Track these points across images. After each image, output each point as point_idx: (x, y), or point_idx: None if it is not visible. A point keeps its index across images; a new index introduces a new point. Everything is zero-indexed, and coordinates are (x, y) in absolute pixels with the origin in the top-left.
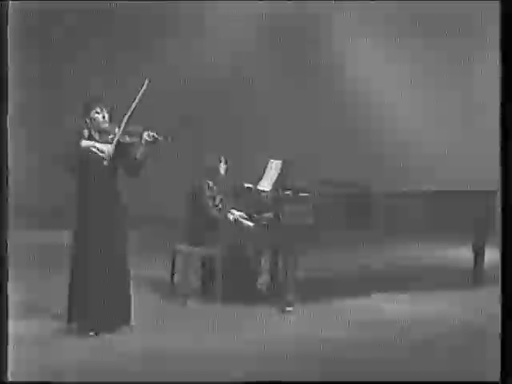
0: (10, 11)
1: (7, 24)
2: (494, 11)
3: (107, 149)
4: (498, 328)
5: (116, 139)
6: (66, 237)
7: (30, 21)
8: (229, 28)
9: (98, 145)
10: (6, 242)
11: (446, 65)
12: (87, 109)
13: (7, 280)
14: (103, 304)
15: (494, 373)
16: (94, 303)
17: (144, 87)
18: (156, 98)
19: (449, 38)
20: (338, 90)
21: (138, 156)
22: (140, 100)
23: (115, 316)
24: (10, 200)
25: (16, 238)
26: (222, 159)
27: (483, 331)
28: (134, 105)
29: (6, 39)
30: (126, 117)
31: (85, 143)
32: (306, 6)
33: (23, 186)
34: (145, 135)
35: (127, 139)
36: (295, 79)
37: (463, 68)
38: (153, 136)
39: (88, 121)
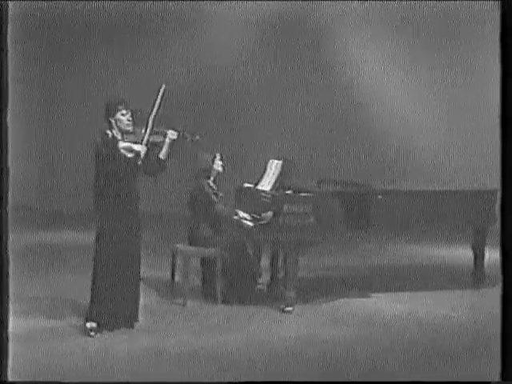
0: (10, 12)
1: (7, 24)
2: (494, 11)
3: (142, 149)
4: (497, 328)
5: (145, 140)
6: (66, 236)
7: (31, 21)
8: (228, 28)
9: (134, 146)
10: (6, 242)
11: (446, 65)
12: (112, 110)
13: (7, 280)
14: (121, 303)
15: (494, 373)
16: (113, 303)
17: (160, 94)
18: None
19: (449, 37)
20: (338, 90)
21: (162, 156)
22: (162, 99)
23: (127, 315)
24: (10, 200)
25: (16, 238)
26: (217, 156)
27: (483, 331)
28: (157, 105)
29: (6, 39)
30: (151, 117)
31: (122, 144)
32: (307, 6)
33: (23, 186)
34: (169, 134)
35: (155, 139)
36: (295, 79)
37: (463, 68)
38: (177, 135)
39: (112, 121)
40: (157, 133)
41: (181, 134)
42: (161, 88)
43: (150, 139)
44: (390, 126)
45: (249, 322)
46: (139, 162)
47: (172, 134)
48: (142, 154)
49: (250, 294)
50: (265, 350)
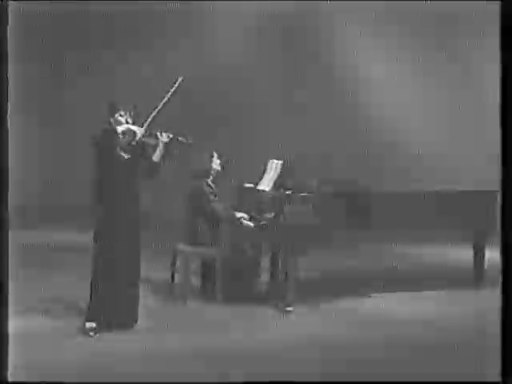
0: (10, 12)
1: (7, 24)
2: (493, 11)
3: (138, 130)
4: (497, 328)
5: (146, 124)
6: (66, 236)
7: (30, 21)
8: (229, 27)
9: (131, 126)
10: (6, 242)
11: (446, 65)
12: (112, 110)
13: (7, 280)
14: (120, 304)
15: (494, 373)
16: (112, 303)
17: (176, 85)
18: (156, 98)
19: (449, 37)
20: (338, 90)
21: (155, 158)
22: (169, 99)
23: (126, 316)
24: (9, 200)
25: (16, 238)
26: (215, 154)
27: (483, 331)
28: (169, 95)
29: (6, 39)
30: (160, 105)
31: (120, 128)
32: (306, 6)
33: (23, 186)
34: (161, 137)
35: (149, 141)
36: (295, 79)
37: (463, 68)
38: (168, 137)
39: (112, 121)
40: (150, 135)
41: (174, 137)
42: (177, 79)
43: (146, 140)
44: (389, 127)
45: (249, 322)
46: (133, 143)
47: (163, 137)
48: (139, 135)
49: (250, 293)
50: (265, 349)
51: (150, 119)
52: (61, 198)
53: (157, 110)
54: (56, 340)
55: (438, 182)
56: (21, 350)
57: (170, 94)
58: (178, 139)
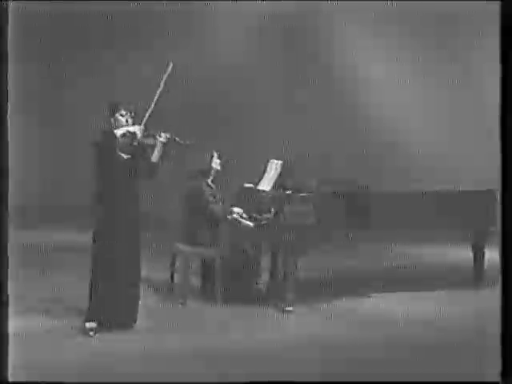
0: (10, 12)
1: (7, 24)
2: (493, 11)
3: (137, 129)
4: (497, 328)
5: (145, 119)
6: (65, 236)
7: (30, 21)
8: (229, 28)
9: (130, 128)
10: (6, 242)
11: (446, 65)
12: (113, 110)
13: (7, 280)
14: (120, 304)
15: (494, 373)
16: (112, 303)
17: (167, 73)
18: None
19: (449, 37)
20: (338, 90)
21: (154, 159)
22: (163, 89)
23: (126, 316)
24: (9, 200)
25: (16, 238)
26: (215, 154)
27: (483, 331)
28: (162, 84)
29: (6, 39)
30: (156, 97)
31: (119, 132)
32: (307, 6)
33: (23, 186)
34: (159, 137)
35: (147, 141)
36: (295, 79)
37: (463, 68)
38: (167, 137)
39: (112, 121)
40: (149, 136)
41: (172, 138)
42: (168, 66)
43: (145, 141)
44: (389, 127)
45: (249, 322)
46: (135, 143)
47: (161, 137)
48: (139, 133)
49: (250, 293)
50: (265, 349)
51: (147, 114)
52: (61, 198)
53: (153, 102)
54: (56, 340)
55: (438, 182)
56: (21, 349)
57: (163, 81)
58: (175, 140)
